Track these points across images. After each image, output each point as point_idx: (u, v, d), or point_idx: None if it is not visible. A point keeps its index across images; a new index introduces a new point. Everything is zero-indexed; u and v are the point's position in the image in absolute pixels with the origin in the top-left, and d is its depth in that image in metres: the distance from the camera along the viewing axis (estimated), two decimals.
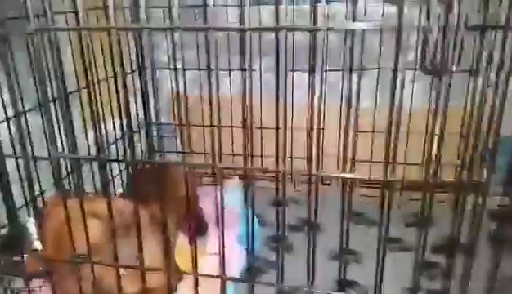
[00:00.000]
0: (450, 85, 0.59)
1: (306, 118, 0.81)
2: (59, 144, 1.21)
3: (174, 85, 1.73)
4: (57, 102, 1.15)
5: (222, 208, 0.79)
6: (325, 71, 1.59)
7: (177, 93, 0.73)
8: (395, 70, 0.60)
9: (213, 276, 0.82)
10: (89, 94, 0.76)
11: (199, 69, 1.69)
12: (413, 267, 0.83)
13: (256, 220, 1.50)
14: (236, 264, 1.23)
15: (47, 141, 0.84)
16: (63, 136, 1.18)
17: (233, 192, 1.56)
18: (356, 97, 0.71)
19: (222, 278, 0.80)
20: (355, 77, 0.71)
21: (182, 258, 1.14)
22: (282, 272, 0.84)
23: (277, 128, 0.78)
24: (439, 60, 0.57)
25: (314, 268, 0.78)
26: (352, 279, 0.82)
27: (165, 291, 0.90)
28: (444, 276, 0.86)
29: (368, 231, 1.50)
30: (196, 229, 1.46)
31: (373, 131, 1.60)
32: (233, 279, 0.82)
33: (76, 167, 1.14)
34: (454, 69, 0.56)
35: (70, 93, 1.25)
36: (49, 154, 0.77)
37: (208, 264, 1.28)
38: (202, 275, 0.82)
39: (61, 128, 1.21)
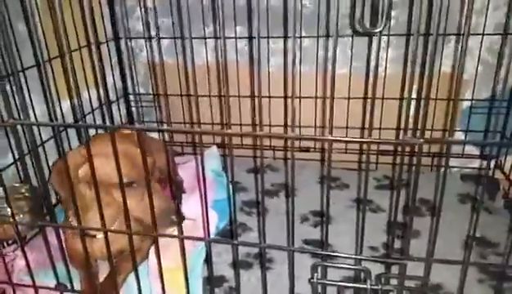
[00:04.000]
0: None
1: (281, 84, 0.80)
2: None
3: (150, 54, 1.73)
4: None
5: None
6: (300, 37, 1.61)
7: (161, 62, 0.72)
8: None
9: (171, 236, 0.85)
10: (67, 62, 0.75)
11: (174, 38, 1.69)
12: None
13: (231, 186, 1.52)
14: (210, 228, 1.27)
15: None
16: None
17: (210, 160, 1.58)
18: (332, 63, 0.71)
19: (180, 237, 0.83)
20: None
21: None
22: (264, 233, 0.84)
23: (253, 96, 0.78)
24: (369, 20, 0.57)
25: (293, 229, 0.80)
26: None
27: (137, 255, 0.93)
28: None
29: (340, 194, 1.55)
30: (172, 194, 1.49)
31: (348, 98, 1.60)
32: (191, 238, 0.85)
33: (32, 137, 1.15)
34: (381, 28, 0.57)
35: (42, 63, 1.26)
36: (2, 120, 0.78)
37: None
38: (160, 235, 0.85)
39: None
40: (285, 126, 1.66)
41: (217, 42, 1.53)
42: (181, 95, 1.73)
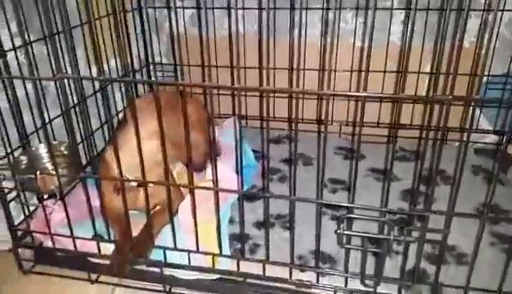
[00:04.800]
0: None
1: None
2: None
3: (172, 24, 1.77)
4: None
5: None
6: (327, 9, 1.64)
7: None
8: None
9: (207, 188, 0.91)
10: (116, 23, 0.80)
11: (198, 8, 1.72)
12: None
13: (253, 155, 1.58)
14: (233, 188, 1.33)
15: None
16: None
17: (230, 129, 1.63)
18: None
19: (215, 189, 0.89)
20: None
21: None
22: (295, 186, 0.90)
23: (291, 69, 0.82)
24: None
25: (322, 183, 0.85)
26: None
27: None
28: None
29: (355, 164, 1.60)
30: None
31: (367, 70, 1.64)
32: (225, 190, 0.91)
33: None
34: None
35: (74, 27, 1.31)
36: (53, 75, 0.83)
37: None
38: (197, 187, 0.91)
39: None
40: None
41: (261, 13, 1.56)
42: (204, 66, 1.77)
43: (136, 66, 1.79)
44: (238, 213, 1.19)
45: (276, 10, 1.65)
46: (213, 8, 1.71)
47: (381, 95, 0.76)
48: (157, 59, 1.87)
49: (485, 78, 1.63)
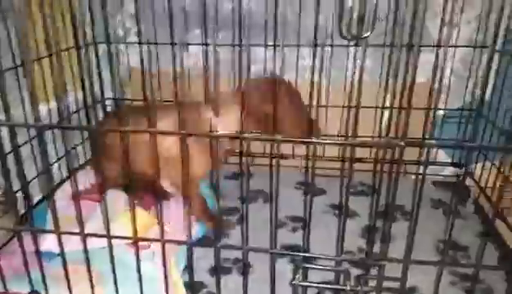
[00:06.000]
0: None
1: None
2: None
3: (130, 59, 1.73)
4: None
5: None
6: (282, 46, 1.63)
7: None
8: None
9: (153, 239, 0.85)
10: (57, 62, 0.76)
11: (156, 44, 1.69)
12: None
13: (211, 192, 1.52)
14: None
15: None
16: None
17: None
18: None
19: (162, 241, 0.83)
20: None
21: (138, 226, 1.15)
22: (247, 236, 0.85)
23: None
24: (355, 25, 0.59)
25: (276, 232, 0.81)
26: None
27: None
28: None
29: (315, 199, 1.56)
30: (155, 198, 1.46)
31: (326, 106, 1.63)
32: (172, 241, 0.85)
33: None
34: (368, 34, 0.59)
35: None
36: None
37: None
38: (142, 239, 0.85)
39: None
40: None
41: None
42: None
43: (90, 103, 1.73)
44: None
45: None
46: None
47: (332, 141, 0.73)
48: (111, 94, 1.81)
49: (443, 112, 1.65)
